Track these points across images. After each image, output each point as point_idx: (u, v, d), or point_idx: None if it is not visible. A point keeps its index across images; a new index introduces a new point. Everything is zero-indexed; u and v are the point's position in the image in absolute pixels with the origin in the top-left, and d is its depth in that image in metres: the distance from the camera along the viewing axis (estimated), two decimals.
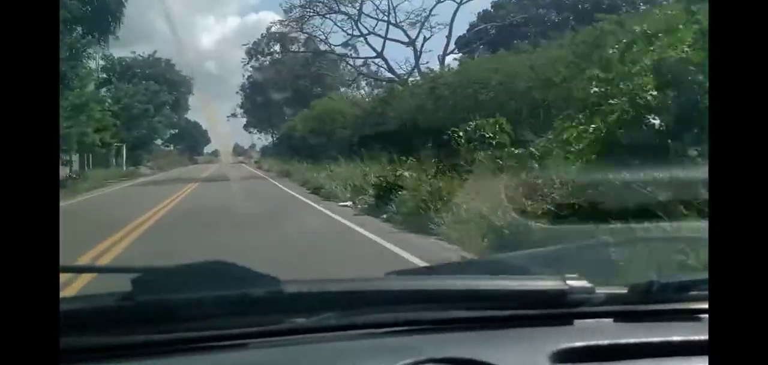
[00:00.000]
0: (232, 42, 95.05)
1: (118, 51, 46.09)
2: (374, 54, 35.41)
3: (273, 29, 67.29)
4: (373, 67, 48.65)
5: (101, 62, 41.07)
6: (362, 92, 43.83)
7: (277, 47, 74.95)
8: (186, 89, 59.73)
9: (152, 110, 41.82)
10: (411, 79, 30.26)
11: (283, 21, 38.01)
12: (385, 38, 33.84)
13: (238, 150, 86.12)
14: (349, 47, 60.17)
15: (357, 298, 1.05)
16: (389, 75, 32.20)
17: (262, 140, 72.30)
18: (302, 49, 73.42)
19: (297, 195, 16.08)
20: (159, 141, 61.48)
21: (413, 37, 33.42)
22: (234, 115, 71.86)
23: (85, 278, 4.39)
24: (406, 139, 15.97)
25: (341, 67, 65.25)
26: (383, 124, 21.93)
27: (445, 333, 1.01)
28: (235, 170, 45.03)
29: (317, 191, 15.82)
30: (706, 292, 0.89)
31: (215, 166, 52.14)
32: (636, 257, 3.89)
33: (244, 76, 72.46)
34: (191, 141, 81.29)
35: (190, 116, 77.37)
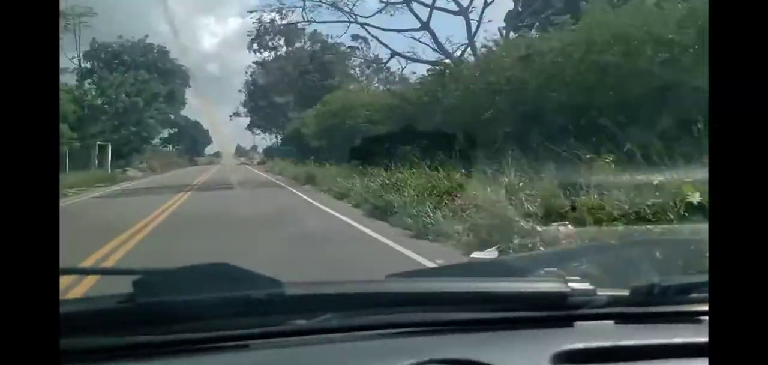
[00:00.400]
0: (233, 44, 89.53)
1: None
2: (412, 28, 27.38)
3: (277, 22, 59.48)
4: (407, 48, 40.49)
5: (83, 48, 33.22)
6: (378, 86, 36.19)
7: (281, 41, 67.47)
8: (182, 81, 50.94)
9: (142, 103, 33.92)
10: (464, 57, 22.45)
11: None
12: (432, 7, 26.04)
13: (240, 152, 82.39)
14: (359, 39, 52.91)
15: (358, 300, 1.03)
16: (434, 56, 24.40)
17: (266, 140, 67.60)
18: (308, 43, 65.76)
19: (356, 224, 9.32)
20: (157, 140, 53.38)
21: (465, 5, 25.43)
22: (237, 114, 65.89)
23: (88, 281, 4.18)
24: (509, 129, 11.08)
25: (353, 58, 57.18)
26: (449, 113, 16.12)
27: (446, 334, 1.00)
28: (240, 172, 37.51)
29: (384, 215, 9.41)
30: (707, 294, 0.87)
31: (216, 168, 47.99)
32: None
33: (246, 72, 64.55)
34: (191, 141, 74.69)
35: (190, 114, 70.16)
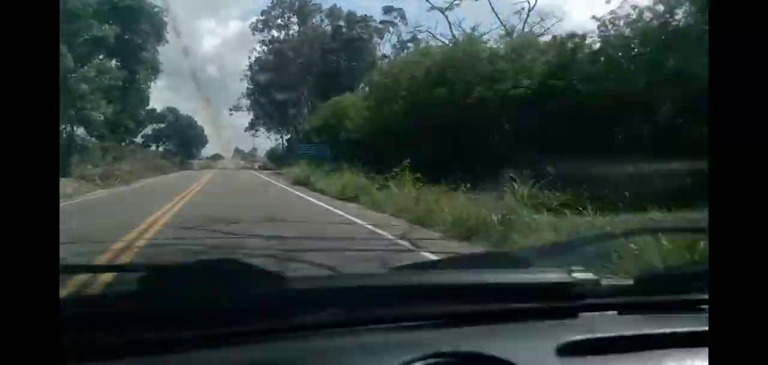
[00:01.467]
0: (233, 46, 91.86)
1: None
2: None
3: None
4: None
5: None
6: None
7: (293, 18, 52.45)
8: (151, 32, 31.28)
9: (69, 56, 17.45)
10: None
11: None
12: None
13: (238, 154, 73.34)
14: (394, 13, 45.04)
15: (363, 294, 1.04)
16: None
17: (271, 140, 57.07)
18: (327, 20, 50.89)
19: None
20: (139, 139, 37.77)
21: None
22: (237, 107, 53.94)
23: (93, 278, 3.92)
24: None
25: (387, 34, 46.30)
26: None
27: (452, 327, 1.02)
28: (252, 184, 24.11)
29: None
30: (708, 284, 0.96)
31: (212, 173, 39.02)
32: None
33: (250, 57, 49.56)
34: (182, 140, 58.35)
35: (181, 107, 54.83)
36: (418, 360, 0.87)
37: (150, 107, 41.68)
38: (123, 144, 34.47)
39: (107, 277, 3.14)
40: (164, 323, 0.91)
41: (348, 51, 44.05)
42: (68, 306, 0.86)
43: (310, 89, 44.35)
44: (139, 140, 50.18)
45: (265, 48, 49.27)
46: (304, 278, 1.05)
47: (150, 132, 54.27)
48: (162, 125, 56.26)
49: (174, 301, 0.91)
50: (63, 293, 0.84)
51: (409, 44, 46.88)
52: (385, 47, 47.76)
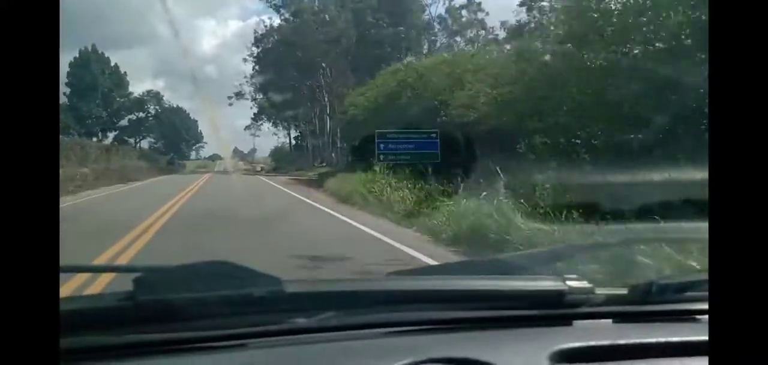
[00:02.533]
0: (232, 46, 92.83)
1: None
2: None
3: None
4: None
5: None
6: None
7: None
8: None
9: None
10: None
11: None
12: None
13: (237, 155, 65.11)
14: None
15: (357, 298, 1.13)
16: None
17: (278, 136, 51.00)
18: None
19: None
20: (112, 126, 27.27)
21: None
22: (240, 94, 42.26)
23: (89, 277, 4.15)
24: None
25: None
26: None
27: (446, 333, 1.11)
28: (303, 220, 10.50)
29: None
30: (705, 293, 0.99)
31: (204, 179, 29.16)
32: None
33: (256, 32, 39.21)
34: (171, 134, 45.99)
35: (170, 97, 43.73)
36: None
37: (127, 90, 29.83)
38: (95, 140, 23.22)
39: (105, 278, 3.31)
40: (159, 324, 0.97)
41: (391, 12, 31.98)
42: (65, 306, 0.91)
43: (337, 65, 32.26)
44: (114, 133, 39.13)
45: (276, 15, 37.44)
46: (298, 281, 1.06)
47: (126, 123, 42.85)
48: (141, 115, 44.58)
49: (170, 302, 0.96)
50: (61, 293, 0.92)
51: (463, 11, 34.93)
52: (437, 8, 36.28)
